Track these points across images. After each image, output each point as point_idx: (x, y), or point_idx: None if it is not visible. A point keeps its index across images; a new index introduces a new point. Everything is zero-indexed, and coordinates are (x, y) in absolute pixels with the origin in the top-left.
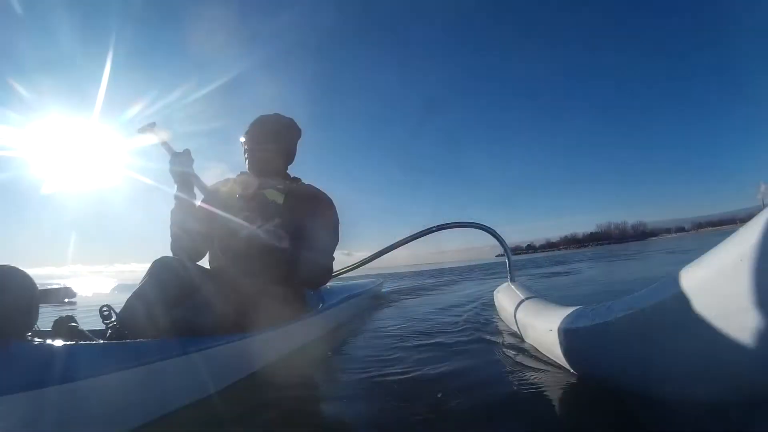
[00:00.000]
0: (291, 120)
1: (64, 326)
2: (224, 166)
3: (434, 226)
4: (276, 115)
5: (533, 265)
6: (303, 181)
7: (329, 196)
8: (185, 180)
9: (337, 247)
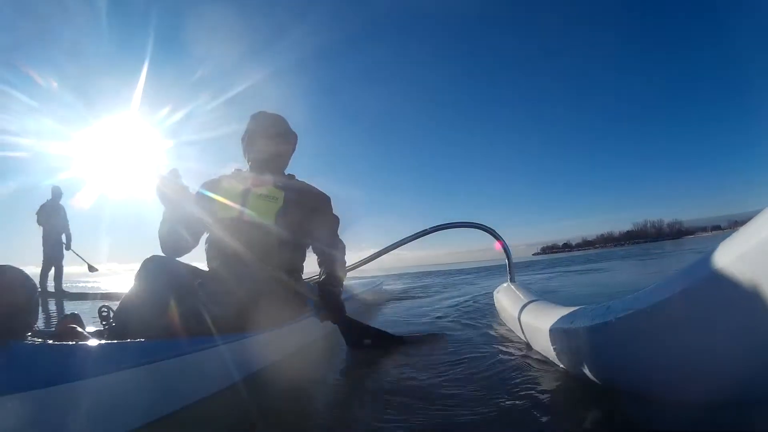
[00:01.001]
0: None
1: (66, 325)
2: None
3: (434, 227)
4: (277, 114)
5: (569, 262)
6: (297, 177)
7: (324, 192)
8: (169, 199)
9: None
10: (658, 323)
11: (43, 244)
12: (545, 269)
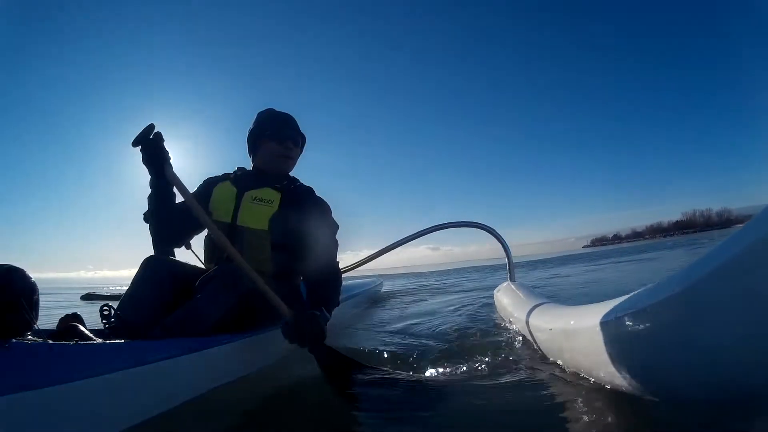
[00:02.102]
0: None
1: (66, 325)
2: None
3: (434, 226)
4: (287, 114)
5: (621, 254)
6: (301, 181)
7: (324, 199)
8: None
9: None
10: (659, 323)
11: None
12: (592, 262)
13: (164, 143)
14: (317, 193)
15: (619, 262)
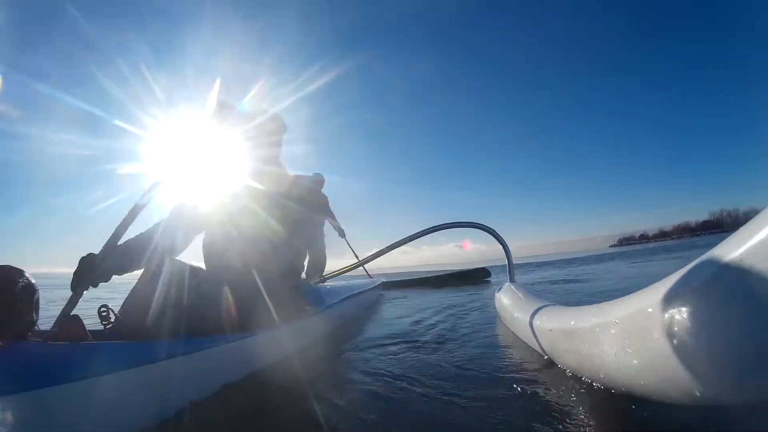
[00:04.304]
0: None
1: (66, 326)
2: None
3: (434, 226)
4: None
5: (650, 253)
6: (287, 168)
7: (326, 201)
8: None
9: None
10: (660, 323)
11: None
12: (622, 260)
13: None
14: (320, 190)
15: (672, 258)
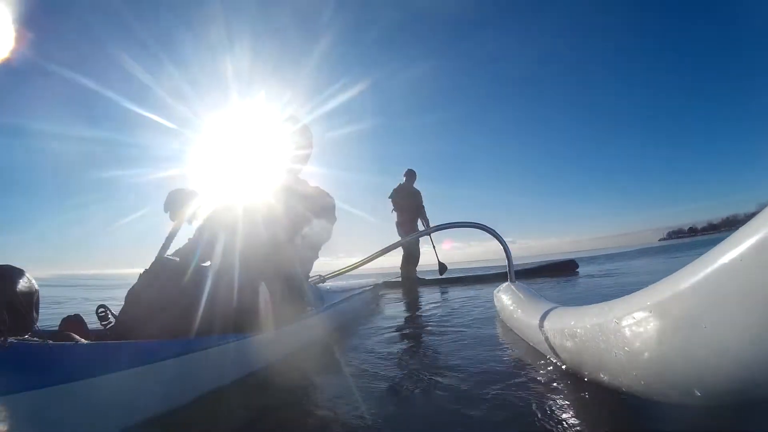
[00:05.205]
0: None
1: (67, 326)
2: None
3: (434, 226)
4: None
5: (700, 246)
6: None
7: (330, 197)
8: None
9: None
10: (660, 323)
11: (401, 234)
12: (665, 254)
13: None
14: (323, 189)
15: None
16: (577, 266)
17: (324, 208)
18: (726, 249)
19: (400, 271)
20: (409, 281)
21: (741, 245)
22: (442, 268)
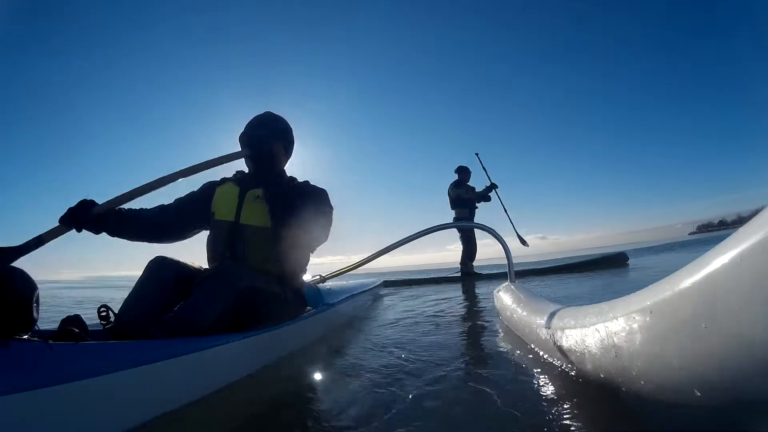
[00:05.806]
0: (285, 120)
1: (67, 326)
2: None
3: (434, 226)
4: (272, 113)
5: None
6: (298, 179)
7: (326, 194)
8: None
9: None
10: (660, 323)
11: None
12: (691, 247)
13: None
14: (317, 185)
15: None
16: (627, 258)
17: (324, 210)
18: (726, 249)
19: (459, 267)
20: (468, 276)
21: (741, 245)
22: (522, 241)
